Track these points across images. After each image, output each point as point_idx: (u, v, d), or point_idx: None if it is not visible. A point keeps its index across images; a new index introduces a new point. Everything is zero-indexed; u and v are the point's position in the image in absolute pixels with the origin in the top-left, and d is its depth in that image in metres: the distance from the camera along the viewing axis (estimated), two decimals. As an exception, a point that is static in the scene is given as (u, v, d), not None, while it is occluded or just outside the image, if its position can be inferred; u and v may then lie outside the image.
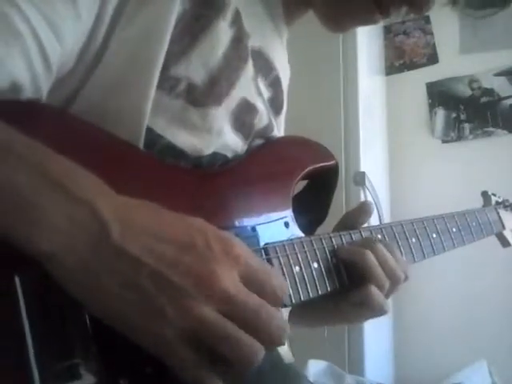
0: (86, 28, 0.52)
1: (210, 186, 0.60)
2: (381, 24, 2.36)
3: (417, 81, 2.30)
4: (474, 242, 0.93)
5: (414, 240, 0.76)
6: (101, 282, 0.40)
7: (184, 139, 0.60)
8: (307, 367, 1.58)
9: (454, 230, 0.86)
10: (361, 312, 0.66)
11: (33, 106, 0.50)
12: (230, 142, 0.65)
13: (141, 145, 0.56)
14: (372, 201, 1.94)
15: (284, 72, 0.79)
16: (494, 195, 1.14)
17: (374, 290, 0.62)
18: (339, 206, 1.89)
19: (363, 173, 1.90)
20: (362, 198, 1.91)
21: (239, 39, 0.64)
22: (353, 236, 0.68)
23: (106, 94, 0.55)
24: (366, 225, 0.72)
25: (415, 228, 0.78)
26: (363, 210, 0.72)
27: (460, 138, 2.25)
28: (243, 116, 0.66)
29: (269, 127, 0.73)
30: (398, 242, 0.74)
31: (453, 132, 2.27)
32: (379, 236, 0.71)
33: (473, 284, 2.10)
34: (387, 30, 2.36)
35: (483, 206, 1.10)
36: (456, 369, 1.83)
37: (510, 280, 2.07)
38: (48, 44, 0.49)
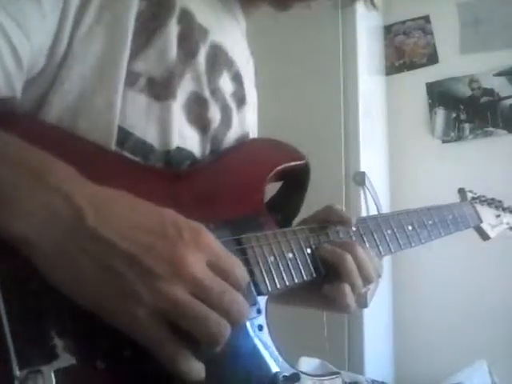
0: (52, 27, 0.54)
1: (182, 186, 0.62)
2: (381, 24, 2.36)
3: (417, 81, 2.30)
4: (451, 234, 0.96)
5: (389, 232, 0.80)
6: (75, 264, 0.42)
7: (152, 133, 0.62)
8: (299, 364, 1.57)
9: (430, 222, 0.89)
10: (329, 305, 0.70)
11: (3, 113, 0.51)
12: (186, 135, 0.67)
13: (113, 143, 0.58)
14: (372, 201, 1.94)
15: (245, 64, 0.81)
16: (471, 192, 1.18)
17: (347, 289, 0.66)
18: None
19: (363, 173, 1.90)
20: (362, 198, 1.91)
21: (185, 35, 0.66)
22: (328, 231, 0.71)
23: (76, 95, 0.56)
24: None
25: (390, 221, 0.81)
26: (343, 224, 0.73)
27: (460, 137, 2.25)
28: (195, 109, 0.68)
29: (224, 122, 0.74)
30: (372, 235, 0.77)
31: (453, 132, 2.26)
32: (354, 229, 0.74)
33: (473, 284, 2.10)
34: (387, 30, 2.36)
35: (460, 202, 1.14)
36: (456, 369, 1.83)
37: (509, 280, 2.07)
38: (18, 42, 0.50)
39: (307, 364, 1.60)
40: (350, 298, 0.67)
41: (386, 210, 2.11)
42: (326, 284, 0.67)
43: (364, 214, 1.90)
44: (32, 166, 0.43)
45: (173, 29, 0.64)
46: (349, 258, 0.67)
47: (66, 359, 0.43)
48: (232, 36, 0.77)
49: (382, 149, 2.28)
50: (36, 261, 0.42)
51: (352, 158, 1.92)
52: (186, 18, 0.67)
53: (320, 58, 1.95)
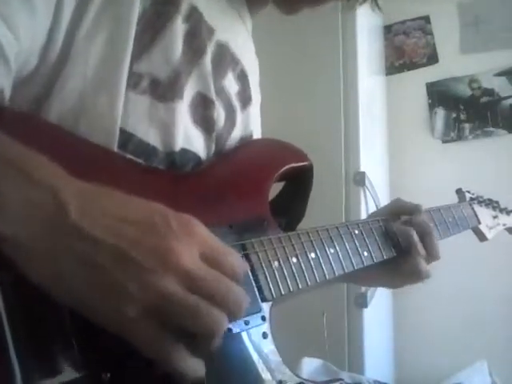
0: (45, 26, 0.53)
1: (186, 187, 0.61)
2: (381, 24, 2.36)
3: (417, 81, 2.30)
4: (450, 237, 0.98)
5: None
6: (59, 262, 0.40)
7: (155, 135, 0.61)
8: (301, 365, 1.56)
9: (431, 225, 0.89)
10: (406, 279, 0.85)
11: (3, 111, 0.50)
12: (191, 136, 0.66)
13: (115, 145, 0.57)
14: (372, 201, 1.94)
15: (251, 64, 0.80)
16: (469, 192, 1.18)
17: (420, 260, 0.80)
18: (339, 206, 1.89)
19: (363, 173, 1.90)
20: (362, 198, 1.91)
21: (193, 34, 0.65)
22: (330, 231, 0.69)
23: (77, 97, 0.55)
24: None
25: None
26: (416, 211, 0.83)
27: (460, 137, 2.25)
28: (200, 110, 0.67)
29: (228, 122, 0.73)
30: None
31: (453, 132, 2.26)
32: (356, 232, 0.75)
33: (473, 284, 2.10)
34: (387, 30, 2.36)
35: (458, 203, 1.14)
36: (456, 369, 1.83)
37: (510, 280, 2.06)
38: (3, 39, 0.49)
39: (309, 365, 1.59)
40: (426, 265, 0.81)
41: (386, 210, 2.11)
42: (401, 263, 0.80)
43: (364, 214, 1.90)
44: (16, 163, 0.41)
45: (179, 27, 0.63)
46: (413, 232, 0.79)
47: (69, 373, 0.42)
48: (237, 35, 0.76)
49: (382, 149, 2.28)
50: (18, 260, 0.40)
51: (352, 158, 1.91)
52: (194, 16, 0.66)
53: (320, 57, 1.95)
